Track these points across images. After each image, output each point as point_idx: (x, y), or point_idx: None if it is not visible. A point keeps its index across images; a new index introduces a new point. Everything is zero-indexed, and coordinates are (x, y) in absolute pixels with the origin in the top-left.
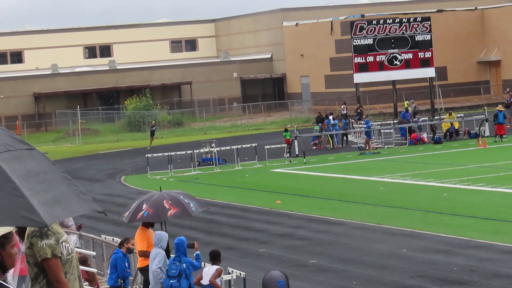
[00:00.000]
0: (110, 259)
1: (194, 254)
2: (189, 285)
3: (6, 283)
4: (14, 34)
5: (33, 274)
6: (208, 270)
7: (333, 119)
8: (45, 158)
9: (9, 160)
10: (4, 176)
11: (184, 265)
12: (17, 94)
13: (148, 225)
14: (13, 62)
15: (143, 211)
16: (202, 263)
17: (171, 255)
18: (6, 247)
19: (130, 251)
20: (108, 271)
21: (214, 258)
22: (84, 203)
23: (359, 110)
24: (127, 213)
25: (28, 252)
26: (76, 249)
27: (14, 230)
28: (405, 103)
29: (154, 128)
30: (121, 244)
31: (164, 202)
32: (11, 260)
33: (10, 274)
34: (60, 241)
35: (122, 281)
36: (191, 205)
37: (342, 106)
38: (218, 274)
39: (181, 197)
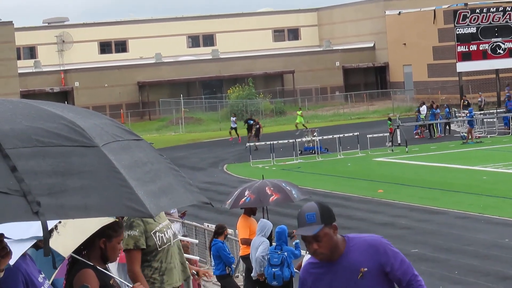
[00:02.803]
0: (211, 250)
1: (294, 243)
2: (290, 273)
3: (108, 270)
4: (118, 23)
5: None
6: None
7: (436, 108)
8: (153, 149)
9: (116, 150)
10: (110, 166)
11: (286, 253)
12: (121, 83)
13: (250, 213)
14: (117, 51)
15: (245, 197)
16: (302, 251)
17: (272, 243)
18: (112, 240)
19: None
20: (212, 262)
21: None
22: (190, 194)
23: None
24: (229, 200)
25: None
26: (180, 237)
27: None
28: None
29: None
30: (216, 234)
31: (266, 188)
32: (114, 254)
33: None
34: (153, 231)
35: (229, 268)
36: (293, 192)
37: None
38: None
39: (283, 184)
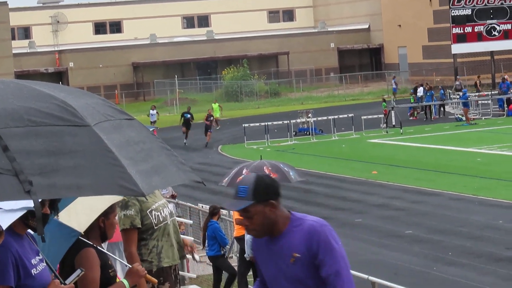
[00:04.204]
0: (207, 231)
1: None
2: None
3: (103, 249)
4: (113, 4)
5: None
6: None
7: (429, 89)
8: (145, 129)
9: (108, 130)
10: (102, 146)
11: None
12: (116, 63)
13: None
14: (112, 32)
15: (243, 175)
16: None
17: None
18: (109, 216)
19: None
20: (207, 243)
21: None
22: (182, 173)
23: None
24: (226, 178)
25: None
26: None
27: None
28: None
29: None
30: (211, 215)
31: (264, 168)
32: (112, 230)
33: None
34: (149, 210)
35: (224, 249)
36: (291, 173)
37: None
38: None
39: (281, 165)
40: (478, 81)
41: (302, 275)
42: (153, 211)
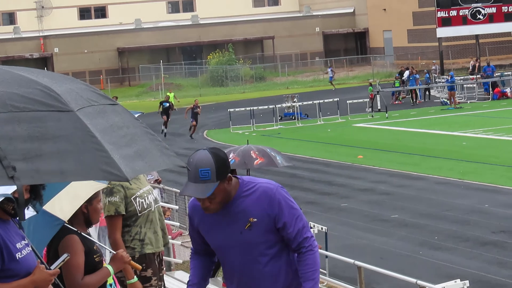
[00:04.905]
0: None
1: None
2: None
3: (90, 236)
4: None
5: None
6: None
7: (411, 74)
8: (128, 113)
9: (92, 115)
10: (86, 130)
11: None
12: (101, 49)
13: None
14: (97, 17)
15: (229, 159)
16: None
17: None
18: (92, 202)
19: None
20: None
21: None
22: (166, 158)
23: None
24: None
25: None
26: (161, 203)
27: None
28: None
29: None
30: None
31: (251, 152)
32: (97, 215)
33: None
34: (133, 197)
35: None
36: (278, 158)
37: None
38: None
39: (268, 150)
40: (476, 64)
41: (255, 239)
42: (137, 198)
